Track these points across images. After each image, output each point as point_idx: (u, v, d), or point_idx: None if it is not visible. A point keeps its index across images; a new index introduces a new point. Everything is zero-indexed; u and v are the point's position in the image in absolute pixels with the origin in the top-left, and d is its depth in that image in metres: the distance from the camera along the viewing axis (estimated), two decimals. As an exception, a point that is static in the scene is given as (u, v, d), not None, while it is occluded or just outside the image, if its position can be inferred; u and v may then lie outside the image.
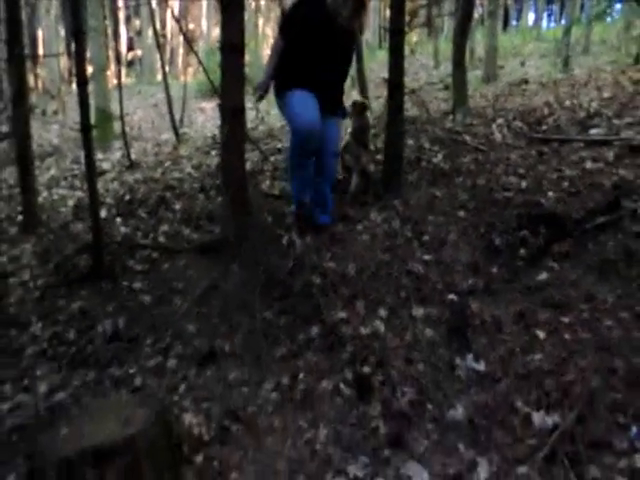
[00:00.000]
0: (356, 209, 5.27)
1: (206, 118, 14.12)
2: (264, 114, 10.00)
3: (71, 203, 6.80)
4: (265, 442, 3.06)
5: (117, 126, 10.73)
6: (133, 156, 8.48)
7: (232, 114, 4.23)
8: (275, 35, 4.24)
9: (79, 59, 4.41)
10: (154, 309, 4.09)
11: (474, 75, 13.41)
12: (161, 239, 5.05)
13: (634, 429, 2.84)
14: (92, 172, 4.37)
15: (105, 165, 8.47)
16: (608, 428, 2.87)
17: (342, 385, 3.40)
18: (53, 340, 3.99)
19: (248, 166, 7.02)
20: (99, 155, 9.16)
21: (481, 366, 3.43)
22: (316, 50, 4.22)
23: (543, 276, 4.04)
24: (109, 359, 3.76)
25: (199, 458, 2.92)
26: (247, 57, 4.44)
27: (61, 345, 3.94)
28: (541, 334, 3.55)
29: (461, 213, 4.79)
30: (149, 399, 2.94)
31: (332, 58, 4.32)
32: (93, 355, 3.81)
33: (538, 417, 2.99)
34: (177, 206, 5.88)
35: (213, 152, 8.30)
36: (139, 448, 2.43)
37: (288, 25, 4.29)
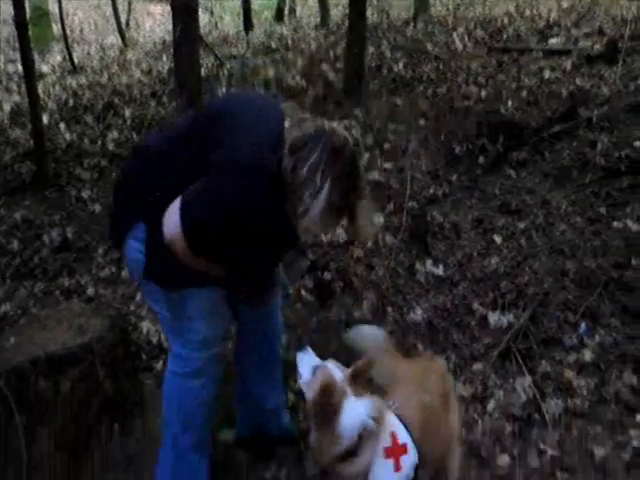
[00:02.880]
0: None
1: (155, 23, 13.26)
2: (217, 19, 9.48)
3: (7, 107, 6.37)
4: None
5: (56, 28, 9.99)
6: (76, 59, 7.98)
7: (185, 12, 3.97)
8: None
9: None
10: (105, 218, 3.94)
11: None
12: (110, 146, 4.83)
13: (583, 326, 2.98)
14: (31, 72, 4.06)
15: (45, 68, 7.93)
16: (559, 326, 3.00)
17: (303, 292, 3.42)
18: (-6, 251, 3.82)
19: (202, 72, 6.71)
20: (36, 57, 8.57)
21: (440, 271, 3.50)
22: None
23: (501, 183, 4.09)
24: (58, 270, 3.64)
25: (158, 365, 2.92)
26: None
27: (4, 256, 3.77)
28: (498, 239, 3.63)
29: (422, 122, 4.74)
30: (104, 308, 2.85)
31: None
32: (40, 266, 3.68)
33: (494, 317, 3.10)
34: (127, 112, 5.61)
35: (164, 57, 7.87)
36: (95, 355, 2.38)
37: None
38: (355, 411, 1.71)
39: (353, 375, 1.78)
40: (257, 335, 2.35)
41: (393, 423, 1.80)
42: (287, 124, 1.77)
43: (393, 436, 1.76)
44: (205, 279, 1.91)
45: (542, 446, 2.40)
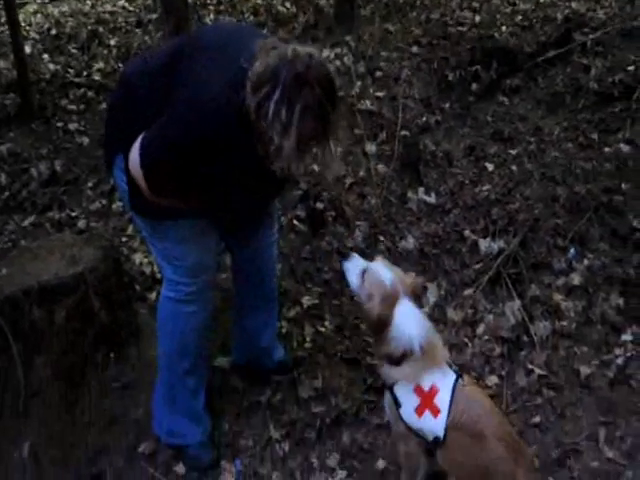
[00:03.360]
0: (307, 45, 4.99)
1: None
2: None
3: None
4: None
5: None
6: (57, -13, 7.66)
7: None
8: None
9: None
10: (94, 151, 3.87)
11: None
12: (96, 77, 4.69)
13: (572, 250, 3.01)
14: (10, 0, 3.89)
15: (25, -5, 7.62)
16: (549, 251, 3.04)
17: (296, 221, 3.41)
18: (-19, 185, 3.76)
19: (189, -1, 6.45)
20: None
21: (432, 198, 3.50)
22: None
23: (493, 110, 4.03)
24: (47, 203, 3.58)
25: (152, 295, 2.93)
26: None
27: (-9, 190, 3.73)
28: (490, 166, 3.61)
29: (414, 48, 4.61)
30: (96, 239, 2.81)
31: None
32: (29, 199, 3.62)
33: (484, 244, 3.13)
34: (112, 42, 5.40)
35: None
36: (89, 285, 2.37)
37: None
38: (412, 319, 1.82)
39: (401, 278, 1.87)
40: (251, 271, 2.36)
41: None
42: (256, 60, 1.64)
43: (432, 390, 1.79)
44: (184, 211, 1.90)
45: (530, 366, 2.48)
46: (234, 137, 1.68)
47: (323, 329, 2.82)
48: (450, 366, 1.85)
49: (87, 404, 2.41)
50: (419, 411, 1.79)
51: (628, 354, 2.45)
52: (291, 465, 2.25)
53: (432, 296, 2.96)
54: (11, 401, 2.28)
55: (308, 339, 2.75)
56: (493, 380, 2.45)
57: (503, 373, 2.48)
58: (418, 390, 1.79)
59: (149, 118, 1.74)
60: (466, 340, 2.67)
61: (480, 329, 2.71)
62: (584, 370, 2.41)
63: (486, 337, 2.66)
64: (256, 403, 2.45)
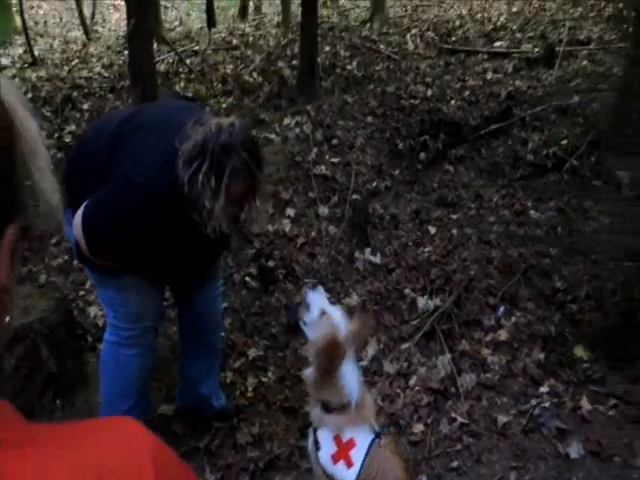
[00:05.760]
0: (270, 113, 5.32)
1: (121, 17, 13.26)
2: (185, 14, 9.55)
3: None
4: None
5: (19, 20, 9.93)
6: (37, 52, 8.01)
7: (138, 4, 4.11)
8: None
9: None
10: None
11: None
12: (67, 139, 4.94)
13: (501, 309, 3.24)
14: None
15: (4, 60, 7.95)
16: (480, 309, 3.26)
17: (248, 278, 3.61)
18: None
19: (162, 68, 6.84)
20: (-1, 50, 8.59)
21: (377, 259, 3.74)
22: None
23: (439, 178, 4.35)
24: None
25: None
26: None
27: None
28: (432, 229, 3.88)
29: (369, 119, 4.96)
30: (51, 291, 2.99)
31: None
32: (-6, 254, 3.81)
33: (422, 301, 3.34)
34: (85, 105, 5.71)
35: (126, 52, 7.95)
36: (37, 335, 2.53)
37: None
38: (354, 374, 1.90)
39: (354, 331, 1.92)
40: (194, 322, 2.50)
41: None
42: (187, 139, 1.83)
43: (350, 443, 1.88)
44: (124, 268, 2.07)
45: (453, 415, 2.64)
46: (166, 212, 1.89)
47: (265, 379, 2.97)
48: (372, 426, 1.93)
49: (33, 448, 2.53)
50: (335, 458, 1.89)
51: (543, 404, 2.63)
52: (224, 508, 2.37)
53: (371, 349, 3.14)
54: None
55: (250, 388, 2.90)
56: (419, 428, 2.60)
57: (429, 421, 2.63)
58: (337, 439, 1.90)
59: (95, 180, 1.95)
60: (399, 391, 2.83)
61: (412, 380, 2.88)
62: (502, 419, 2.58)
63: (417, 388, 2.83)
64: (195, 448, 2.57)
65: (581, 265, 3.36)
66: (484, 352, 2.98)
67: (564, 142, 4.32)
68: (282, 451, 2.55)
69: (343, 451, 1.89)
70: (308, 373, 1.97)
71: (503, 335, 3.07)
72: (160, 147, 1.89)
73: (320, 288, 2.02)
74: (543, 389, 2.73)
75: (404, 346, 3.12)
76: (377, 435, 1.91)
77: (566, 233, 3.66)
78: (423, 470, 2.43)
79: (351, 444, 1.89)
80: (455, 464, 2.42)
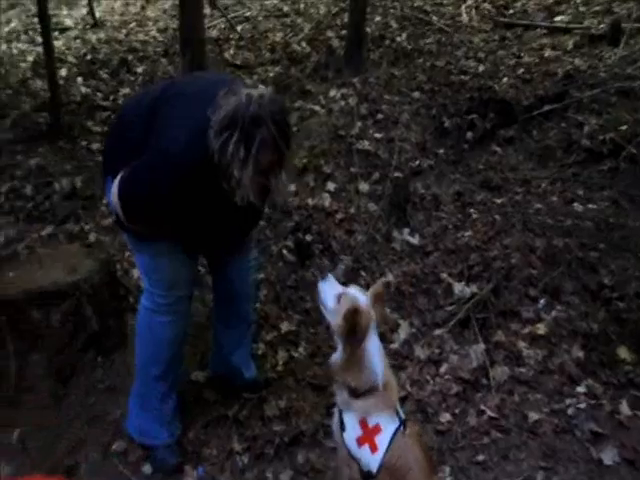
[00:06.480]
0: (316, 84, 5.23)
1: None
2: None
3: (31, 59, 6.52)
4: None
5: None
6: (98, 14, 8.09)
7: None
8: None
9: None
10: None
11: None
12: (121, 101, 4.98)
13: (542, 301, 3.13)
14: (47, 26, 4.20)
15: (68, 21, 8.06)
16: (519, 299, 3.16)
17: (285, 251, 3.59)
18: (10, 194, 4.03)
19: (214, 34, 6.79)
20: (64, 10, 8.65)
21: (415, 240, 3.66)
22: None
23: (485, 159, 4.21)
24: (66, 215, 3.85)
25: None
26: None
27: (18, 199, 3.98)
28: (474, 213, 3.77)
29: (416, 94, 4.83)
30: (97, 252, 3.08)
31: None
32: (50, 211, 3.89)
33: (459, 287, 3.26)
34: (139, 69, 5.77)
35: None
36: (82, 293, 2.62)
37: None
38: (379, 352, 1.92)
39: (374, 296, 1.94)
40: (226, 292, 2.56)
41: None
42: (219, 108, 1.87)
43: (376, 428, 1.88)
44: (159, 234, 2.13)
45: (482, 407, 2.59)
46: (198, 181, 1.93)
47: (296, 354, 2.97)
48: (398, 412, 1.93)
49: (73, 401, 2.66)
50: (360, 441, 1.90)
51: (579, 405, 2.55)
52: (248, 477, 2.40)
53: (403, 333, 3.10)
54: (5, 392, 2.55)
55: (281, 362, 2.91)
56: (446, 417, 2.56)
57: (457, 411, 2.59)
58: (363, 423, 1.90)
59: (132, 150, 1.99)
60: (428, 377, 2.80)
61: (443, 368, 2.83)
62: (533, 416, 2.52)
63: (447, 376, 2.78)
64: (224, 416, 2.61)
65: (631, 261, 3.20)
66: (520, 345, 2.90)
67: (623, 127, 4.09)
68: (308, 427, 2.56)
69: (368, 435, 1.90)
70: (334, 358, 1.98)
71: (542, 329, 2.97)
72: (194, 117, 1.93)
73: (330, 276, 2.03)
74: (580, 389, 2.65)
75: (437, 332, 3.07)
76: (402, 422, 1.90)
77: (618, 226, 3.48)
78: (447, 461, 2.40)
79: (377, 429, 1.89)
80: (481, 458, 2.38)
